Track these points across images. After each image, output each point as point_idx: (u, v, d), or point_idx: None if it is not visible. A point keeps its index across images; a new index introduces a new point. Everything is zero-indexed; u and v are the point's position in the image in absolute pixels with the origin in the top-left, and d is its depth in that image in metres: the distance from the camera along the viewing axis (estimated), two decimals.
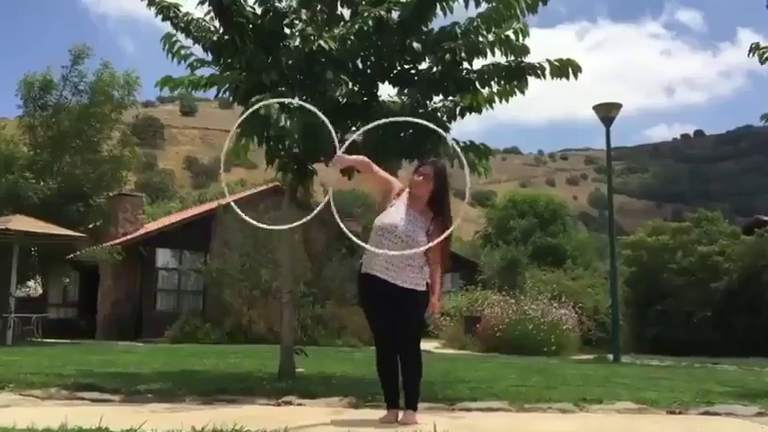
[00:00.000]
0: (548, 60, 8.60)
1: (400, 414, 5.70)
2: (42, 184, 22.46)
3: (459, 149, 6.54)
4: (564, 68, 8.55)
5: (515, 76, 8.76)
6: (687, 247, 30.69)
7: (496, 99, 8.95)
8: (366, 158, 5.81)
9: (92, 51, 24.35)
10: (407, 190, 5.80)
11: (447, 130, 9.07)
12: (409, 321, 5.71)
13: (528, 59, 8.74)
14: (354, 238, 5.75)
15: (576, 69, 8.55)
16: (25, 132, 24.37)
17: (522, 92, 8.90)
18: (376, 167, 5.84)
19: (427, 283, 5.68)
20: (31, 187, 22.21)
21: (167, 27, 9.10)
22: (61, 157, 23.26)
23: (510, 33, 8.58)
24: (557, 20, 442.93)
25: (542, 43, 10.82)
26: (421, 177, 5.71)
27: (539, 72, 8.64)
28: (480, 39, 8.62)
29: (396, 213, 5.65)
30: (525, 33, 8.58)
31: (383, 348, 5.75)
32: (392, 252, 5.51)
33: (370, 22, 8.35)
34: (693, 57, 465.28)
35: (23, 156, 23.66)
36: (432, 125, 6.56)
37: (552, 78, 8.62)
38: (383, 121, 6.59)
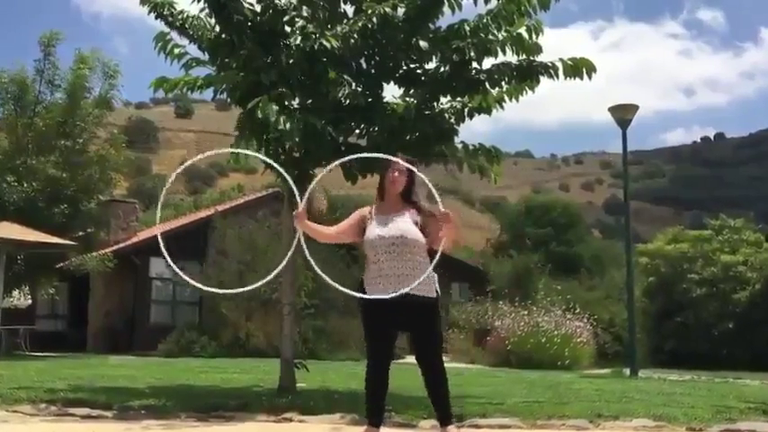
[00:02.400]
0: (561, 59, 8.61)
1: None
2: (26, 186, 22.29)
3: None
4: (577, 68, 8.56)
5: (527, 75, 8.78)
6: (708, 257, 30.68)
7: (506, 98, 8.97)
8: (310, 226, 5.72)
9: (62, 36, 24.04)
10: (373, 207, 5.83)
11: (455, 132, 9.10)
12: (431, 334, 5.72)
13: (539, 59, 8.76)
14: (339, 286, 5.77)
15: (591, 69, 8.56)
16: (7, 134, 24.14)
17: (533, 90, 8.92)
18: (323, 229, 5.86)
19: (437, 290, 5.70)
20: (14, 191, 22.11)
21: (163, 26, 9.13)
22: (45, 159, 23.04)
23: (522, 31, 8.59)
24: (569, 19, 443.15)
25: (554, 43, 10.82)
26: (396, 173, 5.75)
27: (551, 72, 8.65)
28: (490, 37, 8.63)
29: (377, 224, 5.68)
30: (539, 31, 8.59)
31: (381, 364, 5.72)
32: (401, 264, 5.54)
33: (375, 20, 8.35)
34: (714, 57, 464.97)
35: (5, 157, 23.43)
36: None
37: (565, 78, 8.64)
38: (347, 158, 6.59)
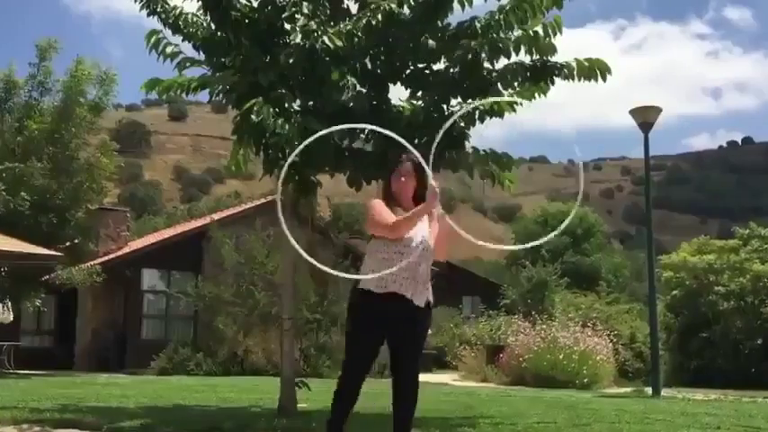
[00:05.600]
0: (576, 59, 8.62)
1: None
2: (14, 195, 22.24)
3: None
4: (592, 69, 8.57)
5: (541, 76, 8.78)
6: (736, 268, 30.56)
7: (517, 100, 8.97)
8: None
9: (59, 45, 24.25)
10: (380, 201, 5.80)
11: (466, 137, 9.10)
12: (419, 343, 5.70)
13: (554, 60, 8.77)
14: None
15: (605, 70, 8.58)
16: None
17: (545, 93, 8.93)
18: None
19: (429, 301, 5.69)
20: (1, 200, 22.09)
21: (155, 24, 9.15)
22: (33, 165, 23.00)
23: (539, 29, 8.58)
24: (587, 18, 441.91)
25: (571, 44, 10.81)
26: (403, 178, 5.72)
27: (566, 72, 8.65)
28: (502, 35, 8.63)
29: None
30: (557, 30, 8.58)
31: (358, 378, 5.73)
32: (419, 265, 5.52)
33: (380, 17, 8.37)
34: (743, 58, 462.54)
35: None
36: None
37: (580, 80, 8.64)
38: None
